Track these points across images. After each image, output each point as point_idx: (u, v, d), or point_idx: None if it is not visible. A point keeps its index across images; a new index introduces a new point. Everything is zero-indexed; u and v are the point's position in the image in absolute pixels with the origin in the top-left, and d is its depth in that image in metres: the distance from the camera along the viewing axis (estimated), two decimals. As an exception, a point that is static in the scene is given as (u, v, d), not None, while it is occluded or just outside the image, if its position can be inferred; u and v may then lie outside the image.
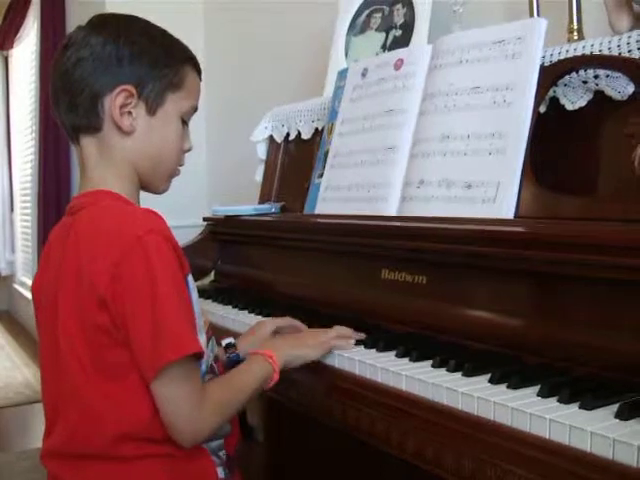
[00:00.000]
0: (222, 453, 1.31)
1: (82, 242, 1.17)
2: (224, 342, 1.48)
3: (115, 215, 1.19)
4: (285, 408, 2.10)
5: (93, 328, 1.14)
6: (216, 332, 1.51)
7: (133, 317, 1.12)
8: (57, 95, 1.25)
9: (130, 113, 1.23)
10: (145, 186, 1.32)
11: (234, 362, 1.44)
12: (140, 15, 1.31)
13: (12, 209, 7.09)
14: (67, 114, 1.25)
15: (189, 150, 1.35)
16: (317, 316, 1.61)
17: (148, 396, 1.15)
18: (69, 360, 1.18)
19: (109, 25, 1.26)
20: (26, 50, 6.27)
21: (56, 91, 1.25)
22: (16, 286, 7.00)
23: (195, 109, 1.33)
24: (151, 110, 1.25)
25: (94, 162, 1.26)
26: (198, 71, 1.34)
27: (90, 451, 1.18)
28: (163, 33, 1.30)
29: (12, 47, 6.68)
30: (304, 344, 1.38)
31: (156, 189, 1.34)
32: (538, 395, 1.03)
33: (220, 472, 1.28)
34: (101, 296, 1.12)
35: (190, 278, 1.24)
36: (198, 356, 1.19)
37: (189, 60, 1.32)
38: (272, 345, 1.35)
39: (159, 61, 1.26)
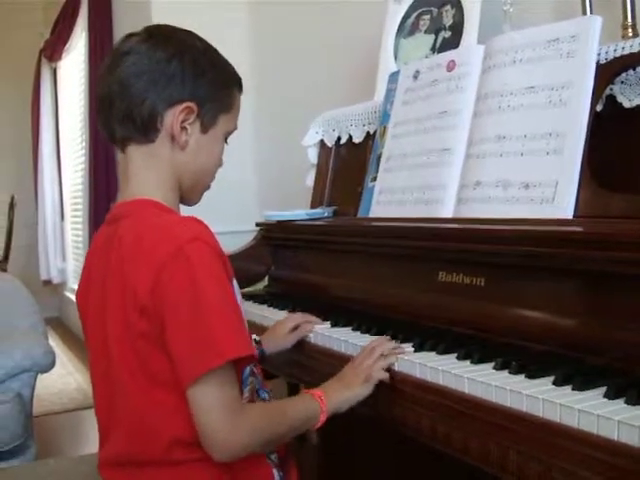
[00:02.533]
0: (274, 456, 1.32)
1: (126, 252, 1.20)
2: None
3: (157, 224, 1.21)
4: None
5: (138, 336, 1.16)
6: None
7: (172, 323, 1.13)
8: (112, 101, 1.25)
9: (185, 129, 1.26)
10: (181, 199, 1.34)
11: (260, 357, 1.49)
12: (186, 23, 1.34)
13: (62, 217, 7.19)
14: (121, 123, 1.26)
15: (221, 166, 1.38)
16: (374, 320, 1.61)
17: None
18: (121, 369, 1.20)
19: (172, 40, 1.27)
20: (74, 61, 6.37)
21: (112, 96, 1.25)
22: (67, 293, 7.10)
23: (235, 129, 1.36)
24: (205, 129, 1.28)
25: (138, 170, 1.29)
26: (241, 92, 1.37)
27: (146, 458, 1.20)
28: (218, 53, 1.33)
29: (60, 59, 6.79)
30: (353, 383, 1.34)
31: (190, 201, 1.37)
32: (605, 397, 1.02)
33: (276, 475, 1.29)
34: (143, 304, 1.14)
35: (235, 283, 1.26)
36: (248, 360, 1.21)
37: (238, 82, 1.35)
38: (324, 387, 1.33)
39: (218, 82, 1.29)
